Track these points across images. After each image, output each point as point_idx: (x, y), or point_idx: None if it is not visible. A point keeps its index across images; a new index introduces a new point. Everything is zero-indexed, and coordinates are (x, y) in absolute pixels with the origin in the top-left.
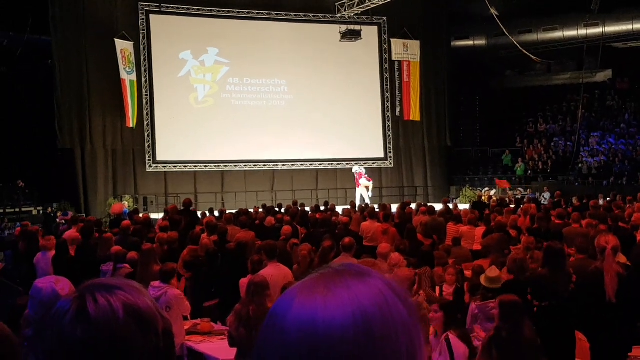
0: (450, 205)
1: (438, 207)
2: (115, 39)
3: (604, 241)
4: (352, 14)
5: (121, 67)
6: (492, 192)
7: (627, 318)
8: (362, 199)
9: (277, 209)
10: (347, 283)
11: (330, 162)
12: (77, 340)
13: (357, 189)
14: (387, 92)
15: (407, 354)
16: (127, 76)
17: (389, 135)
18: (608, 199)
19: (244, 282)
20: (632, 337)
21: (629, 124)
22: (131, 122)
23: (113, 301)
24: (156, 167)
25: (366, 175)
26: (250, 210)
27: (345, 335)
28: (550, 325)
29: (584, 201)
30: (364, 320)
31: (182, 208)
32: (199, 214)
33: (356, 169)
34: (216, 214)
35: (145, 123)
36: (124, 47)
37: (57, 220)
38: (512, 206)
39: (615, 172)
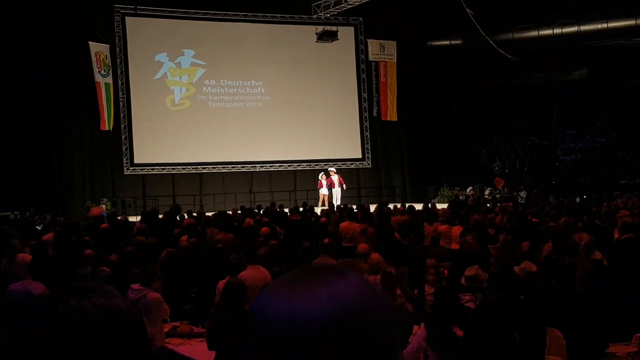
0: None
1: (417, 207)
2: (90, 42)
3: (578, 238)
4: (328, 15)
5: (95, 70)
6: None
7: (603, 314)
8: (334, 198)
9: (255, 210)
10: (326, 279)
11: (308, 163)
12: (49, 342)
13: (332, 190)
14: (364, 92)
15: (384, 349)
16: (102, 79)
17: (367, 136)
18: (584, 196)
19: (221, 284)
20: (609, 334)
21: (605, 122)
22: (106, 125)
23: (85, 304)
24: (134, 169)
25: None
26: (228, 212)
27: (324, 328)
28: (522, 320)
29: (561, 199)
30: (342, 314)
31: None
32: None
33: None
34: (195, 216)
35: (122, 126)
36: (99, 49)
37: (37, 224)
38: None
39: (592, 169)
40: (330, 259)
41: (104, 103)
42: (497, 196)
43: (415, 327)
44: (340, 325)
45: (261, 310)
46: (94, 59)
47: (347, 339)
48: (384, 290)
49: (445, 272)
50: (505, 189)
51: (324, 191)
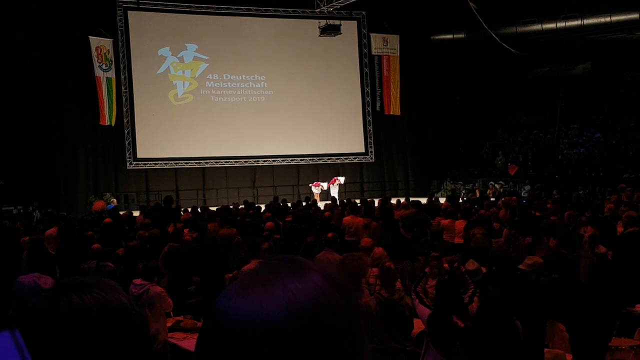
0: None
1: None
2: (90, 37)
3: (582, 231)
4: (331, 9)
5: (95, 64)
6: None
7: (606, 308)
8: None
9: (259, 205)
10: (282, 280)
11: (311, 158)
12: (50, 337)
13: (331, 186)
14: (367, 86)
15: (345, 342)
16: (103, 73)
17: (370, 130)
18: (587, 190)
19: (229, 278)
20: (612, 328)
21: (608, 116)
22: (106, 120)
23: (87, 299)
24: (137, 164)
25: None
26: (231, 206)
27: (281, 328)
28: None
29: (564, 193)
30: (298, 313)
31: (163, 205)
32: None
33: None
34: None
35: (125, 121)
36: (100, 44)
37: (38, 218)
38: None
39: (595, 163)
40: (334, 253)
41: (105, 98)
42: (501, 190)
43: (416, 320)
44: (298, 323)
45: (221, 314)
46: (94, 53)
47: (305, 335)
48: (382, 285)
49: (446, 265)
50: (510, 182)
51: (316, 190)
